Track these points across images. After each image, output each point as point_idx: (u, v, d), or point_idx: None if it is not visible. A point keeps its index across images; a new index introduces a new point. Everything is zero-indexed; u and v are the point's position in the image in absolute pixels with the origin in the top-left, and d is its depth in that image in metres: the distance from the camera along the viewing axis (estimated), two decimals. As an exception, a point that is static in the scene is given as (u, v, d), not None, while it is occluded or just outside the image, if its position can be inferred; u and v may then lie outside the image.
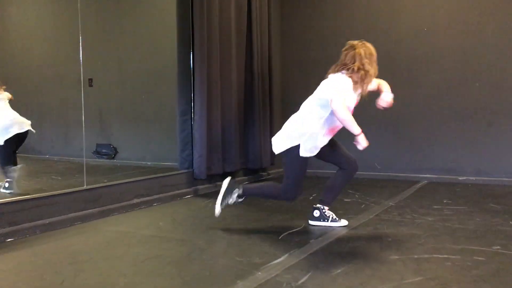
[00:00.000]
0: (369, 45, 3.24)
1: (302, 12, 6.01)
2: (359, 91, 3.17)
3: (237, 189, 3.35)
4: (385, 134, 5.57)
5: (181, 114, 4.77)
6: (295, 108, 6.18)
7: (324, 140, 3.21)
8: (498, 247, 2.73)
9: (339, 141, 3.44)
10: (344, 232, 3.17)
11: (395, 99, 3.37)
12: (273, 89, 5.82)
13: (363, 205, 4.02)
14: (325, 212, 3.35)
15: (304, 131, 3.14)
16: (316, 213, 3.36)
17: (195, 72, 4.66)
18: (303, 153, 3.13)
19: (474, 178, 5.08)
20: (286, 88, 6.16)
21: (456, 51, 5.11)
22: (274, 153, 5.61)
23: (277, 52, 6.05)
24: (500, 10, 4.94)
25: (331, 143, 3.32)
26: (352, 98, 3.17)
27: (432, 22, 5.27)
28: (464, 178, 5.12)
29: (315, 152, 3.19)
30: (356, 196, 4.46)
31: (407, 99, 5.38)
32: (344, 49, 3.26)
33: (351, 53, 3.17)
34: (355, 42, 3.25)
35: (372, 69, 3.18)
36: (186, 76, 4.75)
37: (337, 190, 3.40)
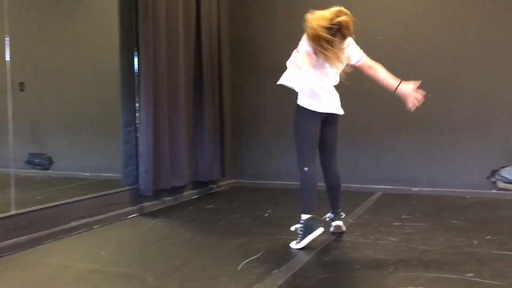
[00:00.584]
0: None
1: (253, 16, 5.76)
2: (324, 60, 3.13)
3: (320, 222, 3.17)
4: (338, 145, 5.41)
5: (124, 125, 4.36)
6: (247, 116, 5.93)
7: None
8: (471, 274, 2.58)
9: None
10: (307, 258, 2.93)
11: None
12: (224, 96, 5.53)
13: (322, 223, 3.81)
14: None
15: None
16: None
17: (141, 79, 4.27)
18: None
19: (428, 189, 5.03)
20: (237, 95, 5.88)
21: (410, 60, 5.04)
22: (224, 164, 5.35)
23: (227, 57, 5.76)
24: (454, 20, 4.91)
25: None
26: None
27: (386, 31, 5.18)
28: (418, 189, 5.06)
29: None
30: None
31: (361, 108, 5.26)
32: None
33: None
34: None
35: (311, 29, 3.07)
36: (130, 84, 4.35)
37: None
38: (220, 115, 5.43)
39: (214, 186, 5.45)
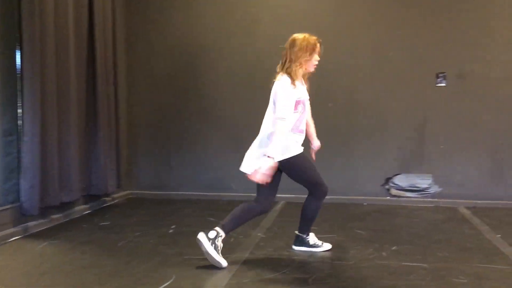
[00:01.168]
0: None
1: (149, 20, 5.40)
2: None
3: (218, 236, 2.98)
4: (241, 153, 5.30)
5: (4, 134, 3.78)
6: (144, 123, 5.51)
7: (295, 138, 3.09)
8: (390, 290, 2.59)
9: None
10: (225, 281, 2.73)
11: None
12: (119, 102, 5.11)
13: (232, 239, 3.64)
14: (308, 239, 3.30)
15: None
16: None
17: (24, 82, 3.73)
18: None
19: (329, 197, 5.08)
20: (133, 101, 5.47)
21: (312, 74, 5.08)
22: (120, 175, 4.94)
23: (123, 61, 5.33)
24: (353, 32, 5.06)
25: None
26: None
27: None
28: (319, 197, 5.12)
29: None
30: (220, 225, 4.06)
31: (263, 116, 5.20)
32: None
33: None
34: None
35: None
36: (11, 87, 3.79)
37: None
38: (116, 122, 5.00)
39: (108, 199, 5.00)
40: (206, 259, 3.01)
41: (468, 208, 4.71)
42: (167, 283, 2.69)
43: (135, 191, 5.46)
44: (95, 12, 4.57)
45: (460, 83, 4.90)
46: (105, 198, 4.95)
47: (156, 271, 2.90)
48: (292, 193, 5.18)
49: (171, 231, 3.89)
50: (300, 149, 3.13)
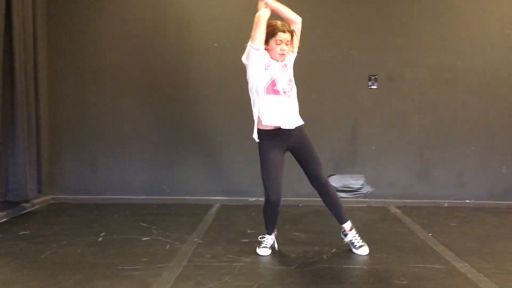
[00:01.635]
0: None
1: (72, 15, 5.03)
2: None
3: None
4: (172, 154, 5.11)
5: None
6: (64, 122, 5.12)
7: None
8: (335, 295, 2.55)
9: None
10: (163, 294, 2.56)
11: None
12: (40, 101, 4.71)
13: (168, 245, 3.46)
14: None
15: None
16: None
17: None
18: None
19: (263, 199, 5.04)
20: (55, 99, 5.06)
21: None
22: (42, 179, 4.56)
23: (43, 58, 4.90)
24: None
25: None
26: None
27: (223, 37, 5.05)
28: (254, 199, 5.04)
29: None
30: (154, 231, 3.85)
31: (194, 115, 5.05)
32: None
33: None
34: None
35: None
36: None
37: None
38: (36, 122, 4.61)
39: (27, 205, 4.59)
40: (140, 269, 2.82)
41: (398, 207, 4.85)
42: (100, 299, 2.47)
43: (58, 196, 5.07)
44: (13, 6, 4.18)
45: (390, 86, 5.04)
46: (24, 204, 4.54)
47: (86, 285, 2.66)
48: (226, 196, 5.10)
49: (100, 239, 3.62)
50: None
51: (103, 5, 5.02)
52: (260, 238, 3.37)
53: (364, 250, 3.27)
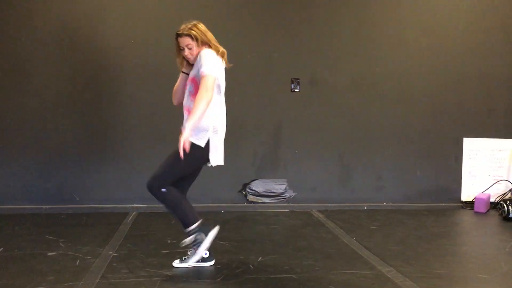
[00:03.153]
0: None
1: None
2: None
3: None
4: (83, 159, 4.70)
5: None
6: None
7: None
8: (265, 309, 2.40)
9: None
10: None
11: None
12: None
13: (78, 261, 3.11)
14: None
15: None
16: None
17: None
18: None
19: (183, 206, 4.80)
20: None
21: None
22: None
23: None
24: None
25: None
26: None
27: (140, 35, 4.74)
28: (174, 206, 4.77)
29: None
30: (62, 245, 3.47)
31: (107, 118, 4.70)
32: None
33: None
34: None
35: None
36: None
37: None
38: None
39: None
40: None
41: (320, 211, 4.83)
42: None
43: None
44: None
45: (312, 89, 5.02)
46: None
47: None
48: (143, 203, 4.77)
49: (-2, 255, 3.18)
50: None
51: (18, 3, 4.51)
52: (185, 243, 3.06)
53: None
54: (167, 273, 2.91)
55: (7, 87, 4.56)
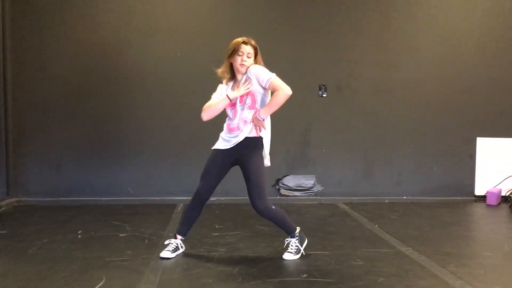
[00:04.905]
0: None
1: (40, 18, 5.16)
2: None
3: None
4: (137, 157, 5.36)
5: None
6: (29, 124, 5.22)
7: (225, 136, 3.39)
8: (306, 274, 2.99)
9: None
10: (157, 280, 2.87)
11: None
12: (8, 106, 4.81)
13: (146, 240, 3.75)
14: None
15: None
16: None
17: None
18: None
19: (223, 198, 5.42)
20: (21, 102, 5.14)
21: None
22: (9, 181, 4.67)
23: (10, 60, 4.99)
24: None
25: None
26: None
27: (187, 47, 5.38)
28: (215, 198, 5.37)
29: (220, 146, 3.38)
30: (128, 228, 4.12)
31: (158, 119, 5.34)
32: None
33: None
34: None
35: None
36: None
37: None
38: (5, 124, 4.71)
39: (-6, 207, 4.68)
40: (128, 260, 3.11)
41: (346, 204, 5.40)
42: (100, 284, 2.75)
43: (21, 199, 5.16)
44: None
45: (338, 94, 5.60)
46: (-10, 206, 4.64)
47: (84, 274, 2.92)
48: (188, 196, 5.38)
49: (79, 236, 3.84)
50: (217, 145, 3.41)
51: (67, 11, 5.19)
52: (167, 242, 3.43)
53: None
54: (221, 249, 3.52)
55: (70, 93, 5.24)
